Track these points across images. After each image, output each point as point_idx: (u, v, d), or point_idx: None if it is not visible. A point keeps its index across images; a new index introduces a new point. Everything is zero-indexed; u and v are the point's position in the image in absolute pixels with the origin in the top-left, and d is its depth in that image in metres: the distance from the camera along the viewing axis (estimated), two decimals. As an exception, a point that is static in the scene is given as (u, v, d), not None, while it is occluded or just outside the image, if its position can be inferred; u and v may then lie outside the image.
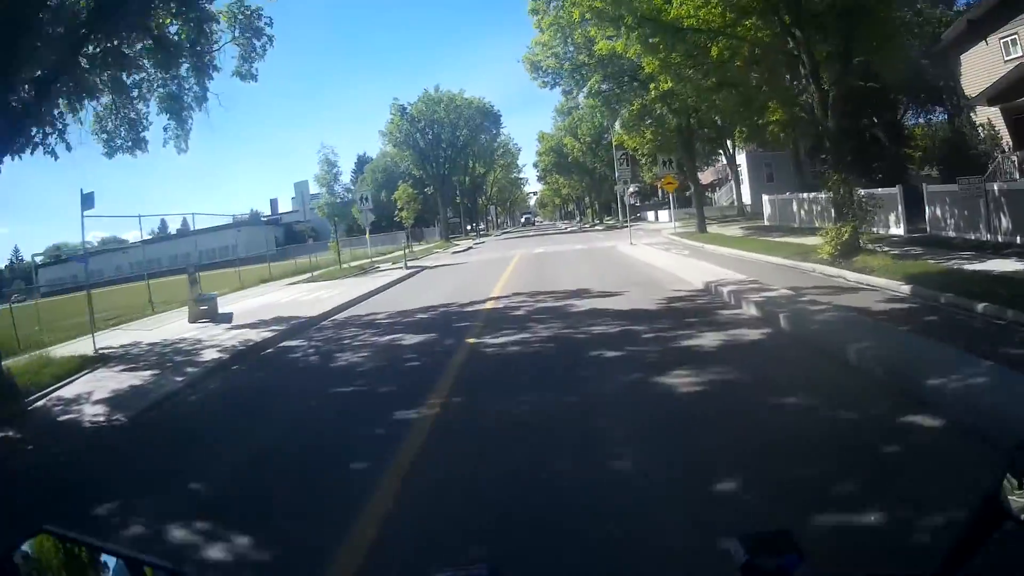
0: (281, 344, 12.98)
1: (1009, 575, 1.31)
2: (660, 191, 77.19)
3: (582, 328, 10.16)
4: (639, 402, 6.25)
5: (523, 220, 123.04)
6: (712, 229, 33.87)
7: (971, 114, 30.10)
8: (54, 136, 15.60)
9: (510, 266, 24.85)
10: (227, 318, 17.79)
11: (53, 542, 1.25)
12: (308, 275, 30.67)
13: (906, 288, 10.82)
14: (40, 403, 10.00)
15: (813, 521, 3.62)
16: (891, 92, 33.39)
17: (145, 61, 17.67)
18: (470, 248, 47.23)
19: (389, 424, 6.34)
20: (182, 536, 4.47)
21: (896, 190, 21.37)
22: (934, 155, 38.85)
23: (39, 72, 12.62)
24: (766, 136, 35.64)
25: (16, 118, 11.61)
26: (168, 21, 17.36)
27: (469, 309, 14.06)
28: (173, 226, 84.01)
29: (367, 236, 38.92)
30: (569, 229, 72.82)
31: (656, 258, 21.16)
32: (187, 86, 18.47)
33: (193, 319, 18.01)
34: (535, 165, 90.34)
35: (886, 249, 15.74)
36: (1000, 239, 15.09)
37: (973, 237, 16.35)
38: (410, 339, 11.27)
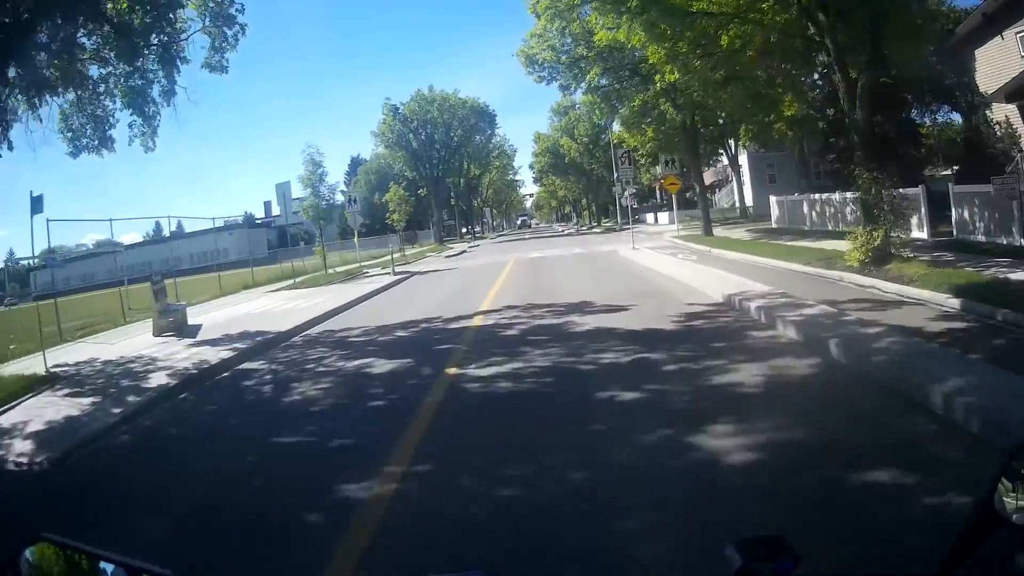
0: (240, 366, 11.32)
1: (1004, 573, 1.37)
2: (658, 193, 76.15)
3: (586, 355, 8.48)
4: (671, 481, 4.47)
5: (519, 222, 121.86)
6: (716, 232, 32.31)
7: (986, 111, 28.71)
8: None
9: (504, 272, 23.18)
10: (194, 331, 16.32)
11: (53, 550, 1.25)
12: (291, 282, 28.93)
13: (955, 302, 9.36)
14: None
15: None
16: (901, 88, 31.75)
17: (109, 53, 16.42)
18: (464, 252, 45.65)
19: (328, 507, 4.61)
20: None
21: (919, 190, 19.84)
22: (943, 154, 37.54)
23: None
24: (772, 135, 34.19)
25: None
26: (124, 6, 15.94)
27: (455, 326, 12.34)
28: (165, 229, 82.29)
29: (356, 240, 37.43)
30: (566, 232, 71.26)
31: (662, 264, 19.48)
32: (155, 79, 17.18)
33: (158, 332, 16.41)
34: (531, 167, 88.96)
35: (913, 255, 14.18)
36: (1034, 244, 13.70)
37: (1005, 242, 15.06)
38: (381, 366, 9.51)
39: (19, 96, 15.38)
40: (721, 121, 31.78)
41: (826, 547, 3.22)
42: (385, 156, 73.89)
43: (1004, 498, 1.18)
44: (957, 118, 36.60)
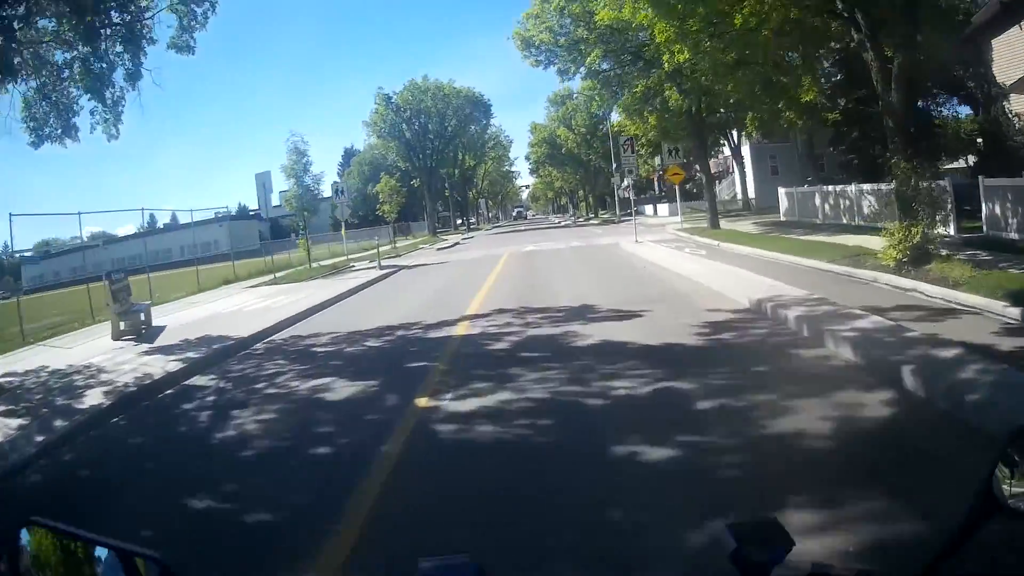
0: (188, 381, 9.76)
1: (1001, 564, 1.44)
2: (656, 184, 74.61)
3: (594, 382, 6.73)
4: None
5: (515, 214, 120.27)
6: (722, 224, 30.71)
7: (1004, 103, 27.22)
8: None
9: (497, 267, 21.58)
10: (156, 334, 14.92)
11: (43, 534, 1.25)
12: (271, 277, 27.24)
13: (1014, 312, 7.97)
14: None
15: None
16: (918, 77, 30.12)
17: (70, 34, 15.06)
18: (457, 244, 44.02)
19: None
20: None
21: (945, 183, 18.30)
22: (951, 148, 35.93)
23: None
24: (781, 124, 32.52)
25: None
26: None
27: (435, 334, 10.65)
28: (140, 222, 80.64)
29: (343, 232, 35.79)
30: (562, 223, 69.56)
31: (671, 260, 17.86)
32: (120, 62, 15.71)
33: (116, 336, 14.91)
34: (527, 158, 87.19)
35: (949, 254, 12.66)
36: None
37: (1040, 239, 13.59)
38: (340, 390, 7.81)
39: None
40: (724, 110, 29.97)
41: None
42: (378, 147, 72.07)
43: (1002, 484, 1.17)
44: (963, 110, 35.05)
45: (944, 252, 12.60)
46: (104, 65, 15.48)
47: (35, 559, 1.25)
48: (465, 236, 57.06)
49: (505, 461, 5.04)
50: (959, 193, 18.36)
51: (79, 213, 25.82)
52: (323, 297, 17.96)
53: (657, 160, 65.23)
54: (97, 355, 12.93)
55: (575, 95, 69.71)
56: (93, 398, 9.06)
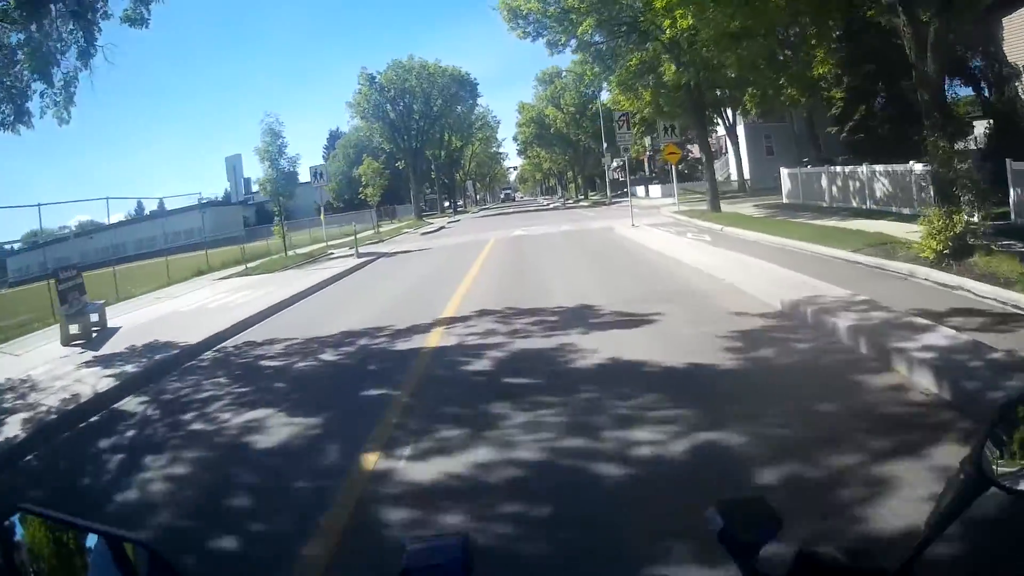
0: (117, 404, 8.24)
1: (990, 536, 1.66)
2: (647, 165, 73.02)
3: (606, 432, 4.90)
4: None
5: (502, 196, 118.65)
6: (721, 207, 29.18)
7: (1016, 83, 25.81)
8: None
9: (482, 255, 19.99)
10: (107, 338, 13.44)
11: (31, 520, 1.23)
12: (243, 267, 25.53)
13: None
14: None
15: None
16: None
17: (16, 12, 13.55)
18: (442, 228, 42.31)
19: None
20: None
21: (968, 166, 16.82)
22: (953, 130, 34.39)
23: None
24: (782, 101, 30.93)
25: None
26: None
27: (402, 345, 8.90)
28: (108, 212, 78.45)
29: (322, 216, 34.07)
30: (551, 205, 67.75)
31: (674, 247, 16.27)
32: (73, 40, 14.35)
33: (65, 341, 13.35)
34: (515, 139, 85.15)
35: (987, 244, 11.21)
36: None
37: (1074, 228, 12.12)
38: (274, 430, 6.10)
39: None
40: (722, 87, 28.24)
41: None
42: (363, 129, 69.96)
43: (990, 460, 1.15)
44: (962, 92, 33.46)
45: (983, 243, 11.17)
46: (52, 43, 14.12)
47: (24, 546, 1.21)
48: (451, 220, 55.24)
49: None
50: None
51: (38, 205, 24.18)
52: (291, 291, 16.34)
53: (648, 141, 64.03)
54: (40, 365, 11.50)
55: (564, 73, 67.99)
56: (9, 430, 7.52)
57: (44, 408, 8.27)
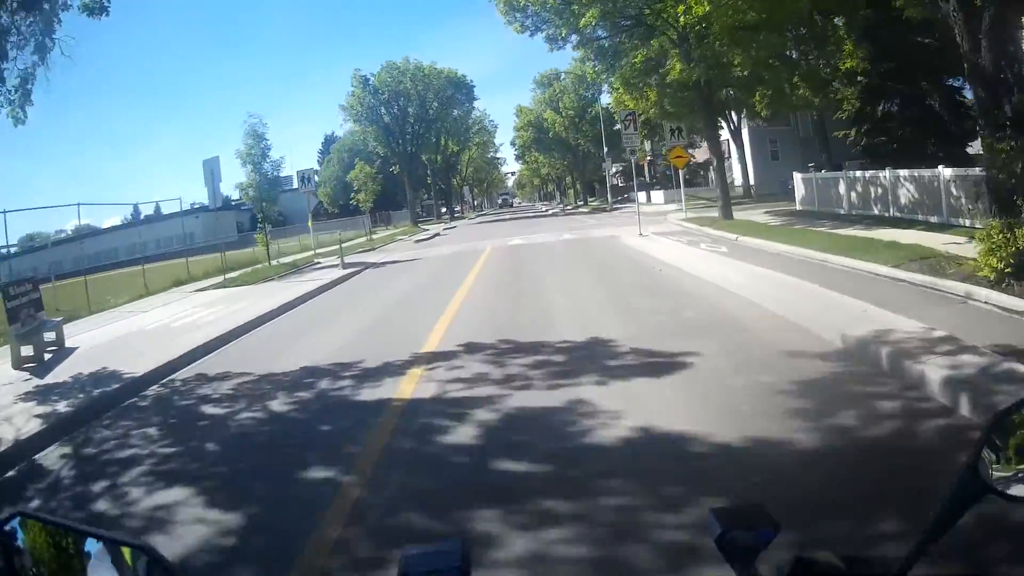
0: (37, 456, 6.75)
1: (987, 543, 1.67)
2: (647, 170, 71.26)
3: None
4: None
5: (499, 202, 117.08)
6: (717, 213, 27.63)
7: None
8: None
9: (475, 267, 18.22)
10: (60, 360, 12.10)
11: (31, 525, 1.18)
12: (222, 278, 23.84)
13: None
14: None
15: None
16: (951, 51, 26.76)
17: None
18: (436, 236, 40.59)
19: None
20: None
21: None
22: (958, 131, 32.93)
23: None
24: (792, 101, 29.41)
25: None
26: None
27: (368, 394, 7.02)
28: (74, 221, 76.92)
29: (309, 223, 32.44)
30: (550, 212, 66.05)
31: (691, 261, 14.58)
32: (31, 33, 13.10)
33: (17, 364, 11.84)
34: (512, 143, 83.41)
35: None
36: None
37: None
38: (178, 532, 4.33)
39: None
40: (731, 88, 26.60)
41: None
42: (358, 133, 68.28)
43: (988, 467, 1.13)
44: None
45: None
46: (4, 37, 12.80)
47: (24, 550, 1.16)
48: (447, 226, 53.52)
49: None
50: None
51: (3, 212, 22.76)
52: (264, 308, 14.69)
53: (648, 145, 62.27)
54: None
55: (563, 76, 66.46)
56: None
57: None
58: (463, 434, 5.47)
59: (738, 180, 50.91)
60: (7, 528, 1.15)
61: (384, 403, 6.53)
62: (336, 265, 23.25)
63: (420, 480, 4.69)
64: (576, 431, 5.24)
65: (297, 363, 8.78)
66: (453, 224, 56.84)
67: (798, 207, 26.61)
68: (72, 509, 5.13)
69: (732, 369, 6.30)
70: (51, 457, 6.63)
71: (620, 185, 68.95)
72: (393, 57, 61.89)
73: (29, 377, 10.91)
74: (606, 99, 58.55)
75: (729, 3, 14.93)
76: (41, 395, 9.35)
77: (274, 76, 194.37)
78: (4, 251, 32.37)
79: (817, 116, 36.44)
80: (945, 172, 17.04)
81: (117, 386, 9.19)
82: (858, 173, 22.71)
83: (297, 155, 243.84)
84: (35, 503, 5.42)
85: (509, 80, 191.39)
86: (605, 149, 53.78)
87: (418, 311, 12.21)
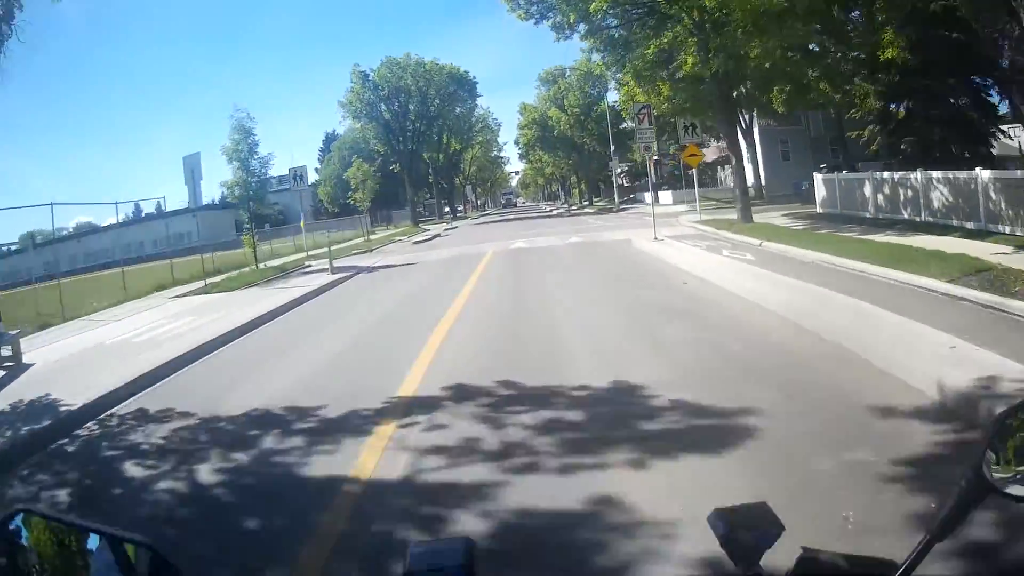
0: None
1: (992, 542, 1.68)
2: (653, 170, 69.39)
3: None
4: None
5: (503, 201, 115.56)
6: (733, 215, 25.98)
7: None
8: None
9: (473, 276, 16.48)
10: (12, 378, 11.02)
11: (34, 521, 1.26)
12: (202, 283, 22.24)
13: None
14: None
15: None
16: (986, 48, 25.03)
17: None
18: (437, 237, 39.00)
19: None
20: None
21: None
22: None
23: None
24: (812, 98, 27.87)
25: None
26: None
27: (317, 467, 5.18)
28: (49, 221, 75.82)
29: (301, 224, 30.86)
30: (554, 212, 64.28)
31: (717, 271, 12.88)
32: None
33: None
34: (516, 142, 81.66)
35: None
36: None
37: None
38: None
39: None
40: (750, 83, 24.91)
41: None
42: (359, 130, 66.60)
43: (992, 467, 1.15)
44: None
45: None
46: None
47: (27, 547, 1.23)
48: (448, 226, 51.82)
49: None
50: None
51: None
52: (236, 321, 13.12)
53: (654, 145, 60.52)
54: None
55: (568, 73, 64.84)
56: None
57: None
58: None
59: (748, 180, 49.34)
60: (11, 525, 1.21)
61: (335, 486, 4.77)
62: (326, 269, 21.70)
63: None
64: (608, 563, 3.39)
65: (249, 402, 7.13)
66: (455, 224, 55.12)
67: (819, 209, 25.08)
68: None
69: (810, 439, 4.56)
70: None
71: (625, 185, 67.29)
72: (394, 54, 60.03)
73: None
74: (613, 96, 57.03)
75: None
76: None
77: (275, 73, 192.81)
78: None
79: (835, 115, 34.97)
80: (984, 175, 15.73)
81: (49, 423, 7.67)
82: (886, 174, 21.17)
83: (299, 153, 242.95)
84: None
85: (512, 82, 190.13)
86: (612, 148, 52.09)
87: (403, 333, 10.47)
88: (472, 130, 77.10)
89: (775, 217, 24.55)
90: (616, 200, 54.01)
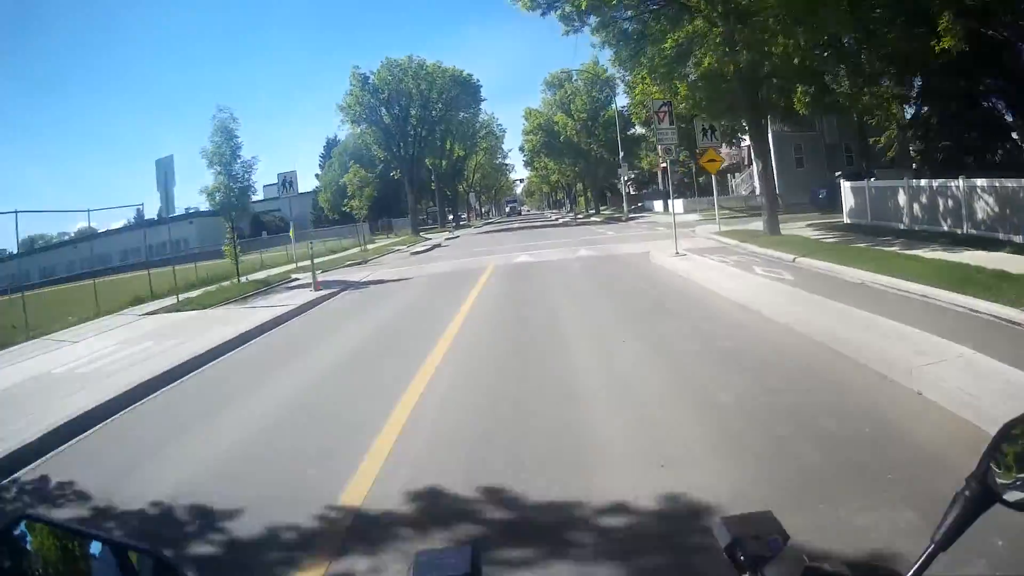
0: None
1: (995, 551, 1.64)
2: (661, 178, 67.74)
3: None
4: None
5: (507, 209, 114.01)
6: (754, 225, 24.04)
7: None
8: None
9: (470, 298, 14.32)
10: None
11: (37, 528, 1.24)
12: (175, 299, 20.32)
13: None
14: None
15: None
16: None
17: None
18: (437, 247, 37.09)
19: None
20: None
21: None
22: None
23: None
24: (836, 100, 25.98)
25: None
26: None
27: None
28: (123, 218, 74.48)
29: (291, 233, 29.04)
30: (560, 220, 62.38)
31: (761, 297, 10.66)
32: None
33: None
34: (521, 149, 79.82)
35: None
36: None
37: None
38: None
39: None
40: (775, 79, 22.96)
41: None
42: (359, 135, 64.68)
43: (996, 476, 1.16)
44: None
45: None
46: None
47: (30, 553, 1.22)
48: (450, 236, 49.85)
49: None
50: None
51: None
52: (190, 352, 11.21)
53: (659, 150, 58.67)
54: None
55: (574, 76, 63.05)
56: None
57: None
58: None
59: (759, 188, 47.53)
60: (15, 532, 1.19)
61: None
62: (311, 284, 19.79)
63: None
64: None
65: (156, 488, 5.18)
66: (456, 234, 53.07)
67: (846, 220, 23.16)
68: None
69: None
70: None
71: (632, 193, 65.49)
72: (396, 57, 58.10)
73: None
74: (622, 101, 55.23)
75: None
76: None
77: (278, 79, 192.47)
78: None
79: (856, 119, 33.17)
80: None
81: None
82: (923, 182, 19.27)
83: (302, 159, 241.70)
84: None
85: (516, 91, 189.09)
86: (621, 154, 50.25)
87: (369, 387, 8.11)
88: (476, 136, 75.34)
89: (800, 228, 22.63)
90: (625, 208, 52.16)
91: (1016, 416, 1.20)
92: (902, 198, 19.97)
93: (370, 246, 41.78)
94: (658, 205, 54.30)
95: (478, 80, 62.49)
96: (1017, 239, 14.33)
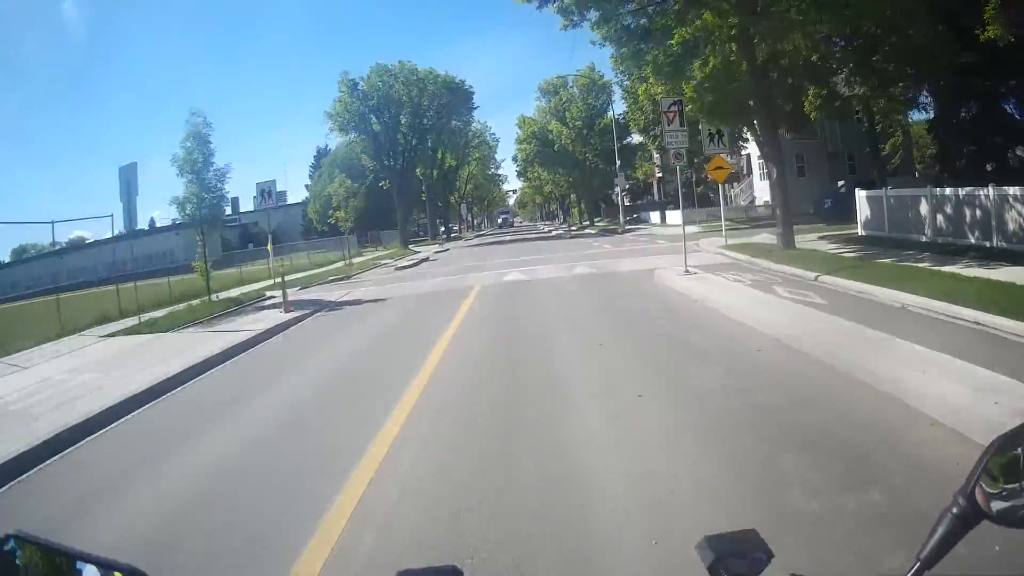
0: None
1: (983, 569, 1.56)
2: (657, 188, 66.34)
3: None
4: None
5: (499, 221, 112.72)
6: (762, 238, 22.54)
7: None
8: None
9: (452, 326, 12.35)
10: None
11: (27, 547, 1.20)
12: (136, 319, 18.67)
13: None
14: None
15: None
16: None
17: None
18: (424, 261, 35.47)
19: None
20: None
21: None
22: None
23: None
24: (849, 102, 24.66)
25: None
26: None
27: None
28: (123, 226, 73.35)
29: (269, 247, 27.47)
30: (553, 232, 60.75)
31: (785, 323, 9.07)
32: None
33: None
34: (514, 158, 78.24)
35: None
36: None
37: None
38: None
39: None
40: (793, 79, 21.43)
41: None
42: (348, 144, 63.03)
43: (985, 493, 1.14)
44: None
45: None
46: None
47: (19, 572, 1.18)
48: (440, 249, 48.12)
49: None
50: None
51: None
52: (133, 388, 9.59)
53: (656, 158, 57.31)
54: None
55: (570, 82, 61.67)
56: None
57: None
58: None
59: (759, 198, 46.31)
60: (3, 549, 1.15)
61: None
62: (281, 305, 18.15)
63: None
64: None
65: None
66: (446, 247, 51.23)
67: (861, 231, 21.73)
68: None
69: None
70: None
71: (627, 204, 64.12)
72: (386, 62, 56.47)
73: None
74: (619, 108, 53.80)
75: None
76: None
77: (268, 88, 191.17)
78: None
79: (867, 124, 31.90)
80: None
81: None
82: (948, 191, 17.87)
83: (292, 170, 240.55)
84: None
85: (509, 102, 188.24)
86: (618, 163, 48.72)
87: (323, 447, 6.32)
88: (468, 145, 73.80)
89: (813, 241, 21.14)
90: (621, 220, 50.65)
91: (1006, 432, 1.14)
92: (924, 208, 18.57)
93: (356, 259, 40.09)
94: (654, 216, 52.86)
95: (471, 86, 60.80)
96: (1053, 253, 13.16)
